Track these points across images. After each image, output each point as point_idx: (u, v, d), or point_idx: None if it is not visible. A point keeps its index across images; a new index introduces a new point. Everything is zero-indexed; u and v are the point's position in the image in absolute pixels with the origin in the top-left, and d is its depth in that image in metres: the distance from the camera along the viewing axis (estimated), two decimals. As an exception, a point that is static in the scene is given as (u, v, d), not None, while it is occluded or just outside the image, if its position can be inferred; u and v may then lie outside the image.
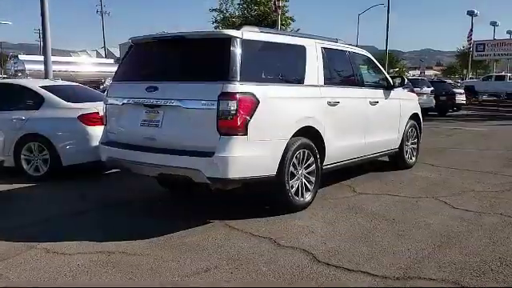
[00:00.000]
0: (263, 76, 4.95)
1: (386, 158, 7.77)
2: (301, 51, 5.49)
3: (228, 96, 4.44)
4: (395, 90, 7.34)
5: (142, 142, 4.96)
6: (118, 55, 72.95)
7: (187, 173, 4.58)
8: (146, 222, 4.98)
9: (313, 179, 5.44)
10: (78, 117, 6.88)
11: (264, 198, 5.34)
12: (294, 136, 5.06)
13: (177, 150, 4.66)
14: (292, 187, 5.11)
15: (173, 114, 4.74)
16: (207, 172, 4.48)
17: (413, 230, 4.68)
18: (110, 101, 5.35)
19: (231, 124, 4.46)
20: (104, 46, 65.36)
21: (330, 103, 5.67)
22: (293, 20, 25.36)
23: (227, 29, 29.01)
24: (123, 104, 5.13)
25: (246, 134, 4.53)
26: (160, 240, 4.35)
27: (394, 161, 7.81)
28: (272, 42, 5.16)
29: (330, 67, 5.87)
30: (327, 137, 5.58)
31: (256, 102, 4.60)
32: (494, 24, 47.56)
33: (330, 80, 5.83)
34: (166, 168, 4.70)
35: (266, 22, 23.30)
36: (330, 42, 6.14)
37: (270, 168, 4.82)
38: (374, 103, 6.69)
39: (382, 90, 7.02)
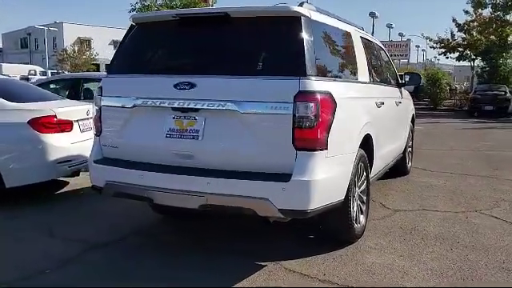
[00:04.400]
0: (331, 70, 3.77)
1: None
2: (349, 40, 4.39)
3: (307, 96, 3.20)
4: (403, 88, 6.53)
5: (168, 160, 3.52)
6: (0, 46, 65.65)
7: (249, 204, 3.25)
8: (177, 268, 3.58)
9: (364, 198, 4.39)
10: (29, 121, 5.08)
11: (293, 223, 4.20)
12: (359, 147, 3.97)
13: (230, 172, 3.32)
14: (353, 211, 4.01)
15: (221, 122, 3.37)
16: (279, 202, 3.19)
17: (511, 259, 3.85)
18: (108, 101, 3.77)
19: (311, 135, 3.23)
20: (-17, 36, 58.41)
21: (377, 104, 4.65)
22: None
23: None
24: (134, 106, 3.61)
25: (326, 147, 3.33)
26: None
27: (395, 167, 7.01)
28: (331, 25, 3.98)
29: (369, 61, 4.84)
30: (375, 145, 4.55)
31: (334, 105, 3.42)
32: (389, 26, 50.19)
33: (371, 76, 4.80)
34: (214, 197, 3.30)
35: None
36: (362, 31, 5.11)
37: (342, 191, 3.67)
38: (398, 103, 5.82)
39: (398, 89, 6.16)
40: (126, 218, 4.85)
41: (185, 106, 3.41)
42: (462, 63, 37.52)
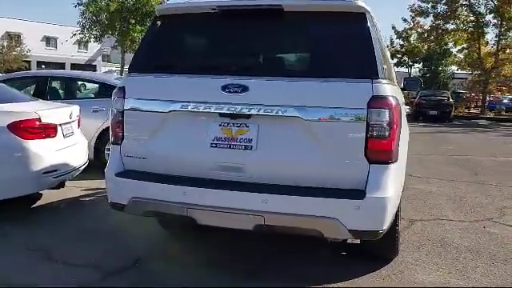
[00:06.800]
0: (388, 72, 3.45)
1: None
2: (382, 39, 4.10)
3: (382, 102, 2.86)
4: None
5: (213, 173, 3.03)
6: None
7: (315, 224, 2.84)
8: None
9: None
10: (9, 125, 4.37)
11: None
12: (404, 157, 3.68)
13: (291, 188, 2.90)
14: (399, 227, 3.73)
15: (279, 130, 2.94)
16: (350, 222, 2.82)
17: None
18: (134, 104, 3.21)
19: (387, 146, 2.89)
20: None
21: (405, 110, 4.40)
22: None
23: (98, 16, 24.42)
24: (171, 112, 3.08)
25: (397, 159, 3.02)
26: None
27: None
28: (376, 22, 3.66)
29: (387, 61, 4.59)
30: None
31: (400, 111, 3.11)
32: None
33: (396, 79, 4.55)
34: (273, 217, 2.85)
35: (143, 9, 20.33)
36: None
37: (397, 205, 3.36)
38: (406, 108, 5.62)
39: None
40: (127, 237, 4.26)
41: (236, 111, 2.94)
42: (395, 69, 39.05)
